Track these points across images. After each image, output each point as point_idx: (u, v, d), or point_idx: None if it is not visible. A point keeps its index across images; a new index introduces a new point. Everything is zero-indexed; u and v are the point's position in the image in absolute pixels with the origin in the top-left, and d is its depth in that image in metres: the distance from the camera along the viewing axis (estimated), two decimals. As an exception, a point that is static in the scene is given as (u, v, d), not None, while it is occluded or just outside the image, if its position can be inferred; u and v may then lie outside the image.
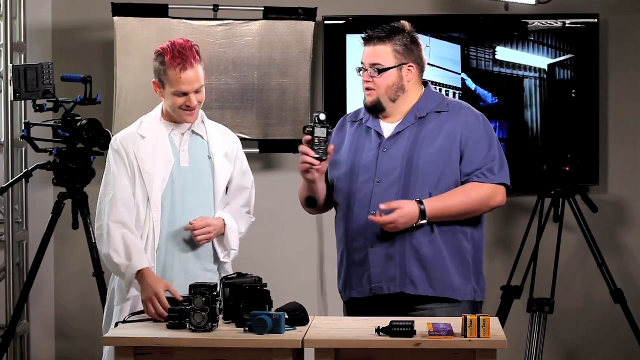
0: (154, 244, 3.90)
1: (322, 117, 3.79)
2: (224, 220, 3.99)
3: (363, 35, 3.99)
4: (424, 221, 3.84)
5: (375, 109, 3.99)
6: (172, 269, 3.94)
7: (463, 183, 3.93)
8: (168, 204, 3.93)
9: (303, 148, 3.84)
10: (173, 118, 3.99)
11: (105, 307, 4.06)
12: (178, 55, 3.88)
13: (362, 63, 3.99)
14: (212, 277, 3.99)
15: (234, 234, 4.02)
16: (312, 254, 6.08)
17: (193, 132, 4.02)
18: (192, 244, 3.96)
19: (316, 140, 3.80)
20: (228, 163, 4.05)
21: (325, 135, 3.80)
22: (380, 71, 3.94)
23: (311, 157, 3.83)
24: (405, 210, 3.82)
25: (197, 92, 3.93)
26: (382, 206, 3.81)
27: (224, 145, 4.06)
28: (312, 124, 3.80)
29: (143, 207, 3.90)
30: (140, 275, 3.79)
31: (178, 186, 3.95)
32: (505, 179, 3.95)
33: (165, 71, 3.89)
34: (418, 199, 3.85)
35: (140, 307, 3.80)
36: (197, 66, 3.91)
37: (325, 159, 3.84)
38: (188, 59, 3.89)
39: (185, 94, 3.91)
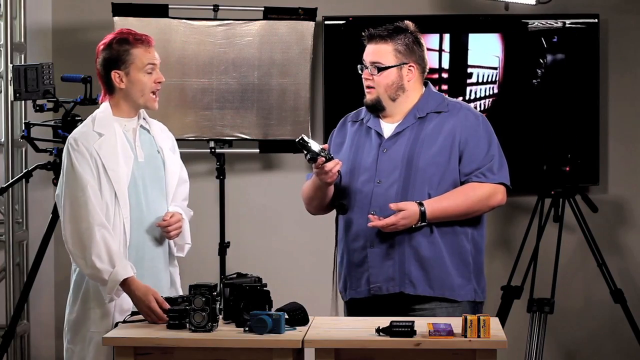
0: (125, 241, 3.86)
1: (305, 137, 3.83)
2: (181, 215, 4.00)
3: (365, 33, 4.00)
4: (424, 223, 3.85)
5: (375, 108, 4.00)
6: (142, 266, 3.89)
7: (462, 183, 3.93)
8: (134, 200, 3.89)
9: (317, 167, 3.86)
10: (123, 113, 3.95)
11: (74, 309, 3.91)
12: (139, 35, 3.93)
13: (363, 60, 4.00)
14: (173, 271, 4.01)
15: (188, 227, 4.03)
16: (312, 254, 6.08)
17: (141, 126, 4.00)
18: (159, 240, 3.95)
19: (317, 151, 3.83)
20: (175, 156, 4.06)
21: (317, 144, 3.86)
22: (380, 69, 3.94)
23: (326, 162, 3.85)
24: (407, 212, 3.82)
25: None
26: (392, 206, 3.82)
27: (166, 140, 4.07)
28: (305, 147, 3.82)
29: (111, 204, 3.84)
30: (126, 284, 3.74)
31: (139, 181, 3.91)
32: (505, 179, 3.95)
33: (129, 52, 3.88)
34: (418, 201, 3.85)
35: (125, 308, 3.80)
36: (154, 46, 3.98)
37: (333, 156, 3.88)
38: (149, 38, 3.95)
39: (154, 69, 3.91)
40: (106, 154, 3.85)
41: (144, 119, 4.01)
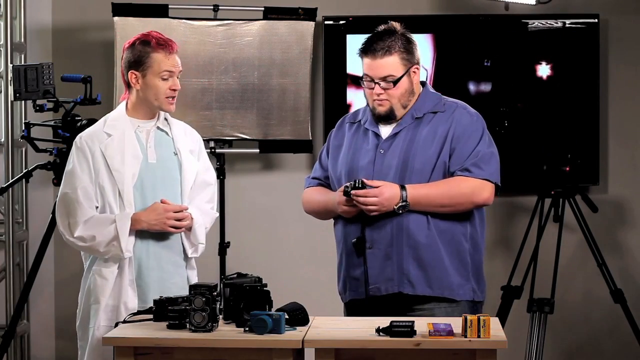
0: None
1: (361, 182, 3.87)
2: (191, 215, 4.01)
3: (362, 47, 3.94)
4: (404, 203, 3.83)
5: (388, 117, 3.97)
6: (147, 265, 3.95)
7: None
8: (139, 200, 3.93)
9: (343, 204, 3.88)
10: (139, 114, 4.00)
11: (80, 309, 4.02)
12: (163, 40, 3.95)
13: (365, 75, 3.94)
14: (182, 272, 4.03)
15: (200, 228, 4.03)
16: (312, 254, 6.08)
17: (158, 128, 4.03)
18: (164, 239, 3.98)
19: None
20: (194, 159, 4.08)
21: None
22: (395, 82, 3.91)
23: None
24: (385, 187, 3.81)
25: (177, 77, 4.00)
26: (367, 181, 3.82)
27: (188, 142, 4.09)
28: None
29: (115, 204, 3.91)
30: (134, 219, 3.87)
31: (147, 182, 3.96)
32: (491, 176, 3.91)
33: (149, 55, 3.92)
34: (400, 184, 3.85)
35: (130, 307, 3.84)
36: (176, 53, 3.99)
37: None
38: (172, 43, 3.97)
39: (171, 76, 3.94)
40: (112, 154, 3.91)
41: (165, 119, 4.05)
